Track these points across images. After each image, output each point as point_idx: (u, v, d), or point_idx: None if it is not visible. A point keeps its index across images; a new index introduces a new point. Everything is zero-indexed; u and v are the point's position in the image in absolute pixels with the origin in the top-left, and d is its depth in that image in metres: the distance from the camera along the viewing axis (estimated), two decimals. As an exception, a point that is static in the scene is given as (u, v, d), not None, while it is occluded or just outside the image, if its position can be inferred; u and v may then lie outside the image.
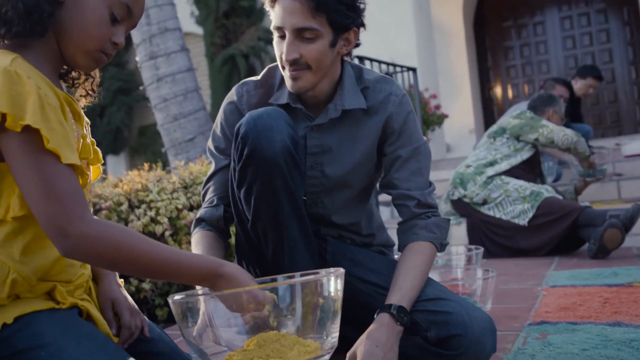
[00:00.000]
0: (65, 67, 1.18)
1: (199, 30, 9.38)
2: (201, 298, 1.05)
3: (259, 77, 1.55)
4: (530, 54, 8.76)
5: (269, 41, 8.58)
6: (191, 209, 2.51)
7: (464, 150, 7.51)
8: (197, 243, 1.47)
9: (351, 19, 1.38)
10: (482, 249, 2.35)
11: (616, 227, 2.89)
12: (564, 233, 3.16)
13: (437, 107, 6.69)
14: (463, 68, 8.34)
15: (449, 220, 1.51)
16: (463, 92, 8.26)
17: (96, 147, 1.20)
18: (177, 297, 1.04)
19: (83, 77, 1.23)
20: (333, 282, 1.05)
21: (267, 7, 1.41)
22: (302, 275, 1.16)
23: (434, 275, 2.02)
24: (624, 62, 8.22)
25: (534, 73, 8.74)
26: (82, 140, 1.10)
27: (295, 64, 1.38)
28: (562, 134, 3.35)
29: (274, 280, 1.18)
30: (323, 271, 1.12)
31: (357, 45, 1.47)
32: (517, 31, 8.85)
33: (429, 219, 1.47)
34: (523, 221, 3.24)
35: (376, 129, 1.49)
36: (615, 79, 8.29)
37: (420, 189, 1.48)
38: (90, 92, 1.25)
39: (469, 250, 2.35)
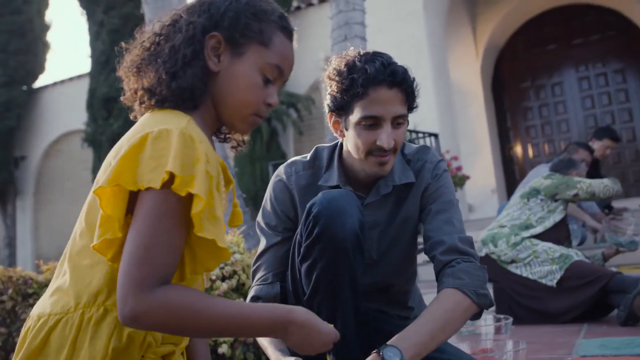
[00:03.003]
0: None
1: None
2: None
3: (307, 158, 1.60)
4: (550, 114, 8.87)
5: (291, 105, 8.80)
6: (224, 279, 2.58)
7: (486, 210, 7.52)
8: None
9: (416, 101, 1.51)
10: (511, 319, 2.36)
11: (647, 294, 2.87)
12: (593, 298, 3.12)
13: (459, 168, 6.75)
14: (483, 129, 8.45)
15: (484, 267, 1.44)
16: (483, 153, 8.34)
17: (238, 209, 1.21)
18: None
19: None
20: None
21: (343, 95, 1.44)
22: None
23: (464, 347, 2.04)
24: (644, 121, 8.28)
25: (554, 133, 8.82)
26: (232, 209, 1.12)
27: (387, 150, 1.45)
28: (603, 185, 3.38)
29: None
30: None
31: None
32: (536, 92, 8.99)
33: (458, 264, 1.40)
34: (551, 282, 3.21)
35: (418, 196, 1.55)
36: (636, 137, 8.34)
37: (450, 234, 1.46)
38: (240, 144, 1.27)
39: (498, 320, 2.36)
